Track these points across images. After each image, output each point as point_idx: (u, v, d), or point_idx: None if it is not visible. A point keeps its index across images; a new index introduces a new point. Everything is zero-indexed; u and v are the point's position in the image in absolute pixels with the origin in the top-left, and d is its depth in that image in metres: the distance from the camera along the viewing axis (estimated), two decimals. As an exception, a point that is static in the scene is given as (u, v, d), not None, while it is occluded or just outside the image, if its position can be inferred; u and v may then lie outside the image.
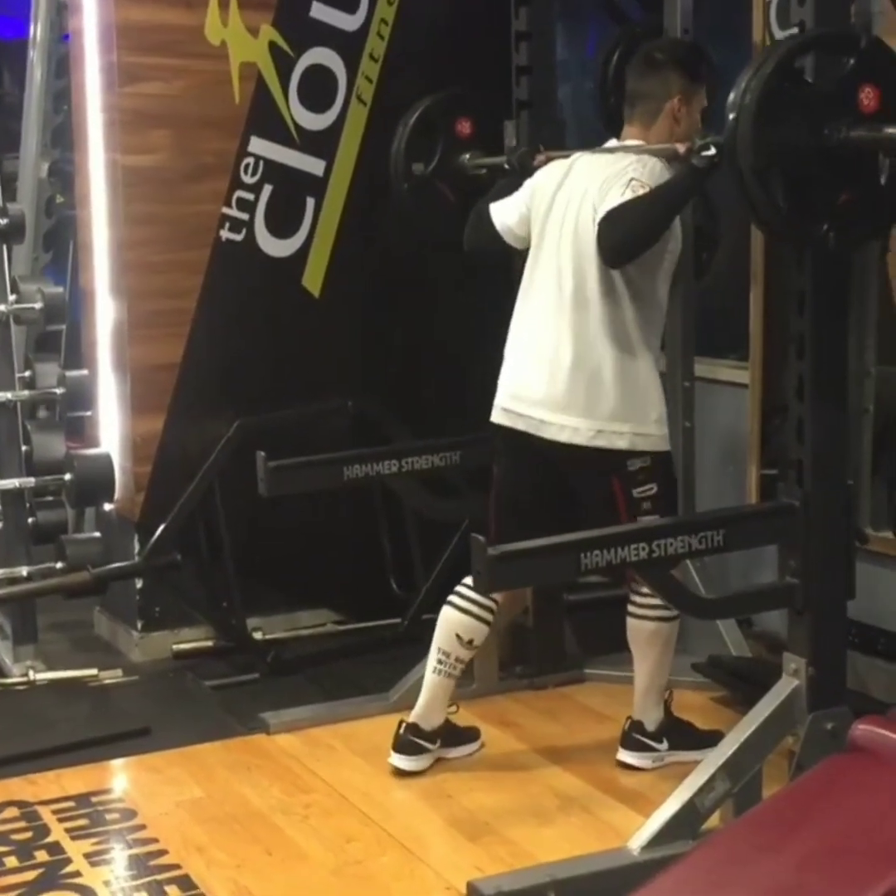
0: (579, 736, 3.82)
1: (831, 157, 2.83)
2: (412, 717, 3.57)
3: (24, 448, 4.50)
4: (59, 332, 5.68)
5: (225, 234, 4.52)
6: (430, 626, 3.62)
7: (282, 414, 4.48)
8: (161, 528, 4.33)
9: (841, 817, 1.92)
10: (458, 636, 3.55)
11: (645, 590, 3.45)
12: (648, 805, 3.20)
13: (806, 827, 1.91)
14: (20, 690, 4.25)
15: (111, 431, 4.60)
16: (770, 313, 4.16)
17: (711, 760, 3.06)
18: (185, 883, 3.07)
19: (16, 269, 5.01)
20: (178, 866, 3.14)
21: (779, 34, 4.09)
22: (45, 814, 3.39)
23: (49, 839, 3.27)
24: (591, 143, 5.09)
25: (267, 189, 4.54)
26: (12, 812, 3.41)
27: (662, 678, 3.59)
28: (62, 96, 5.83)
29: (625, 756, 3.57)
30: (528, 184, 3.59)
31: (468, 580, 3.45)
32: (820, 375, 3.05)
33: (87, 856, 3.19)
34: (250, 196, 4.53)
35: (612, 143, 3.51)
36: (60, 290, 4.69)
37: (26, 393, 4.55)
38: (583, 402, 3.37)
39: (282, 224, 4.56)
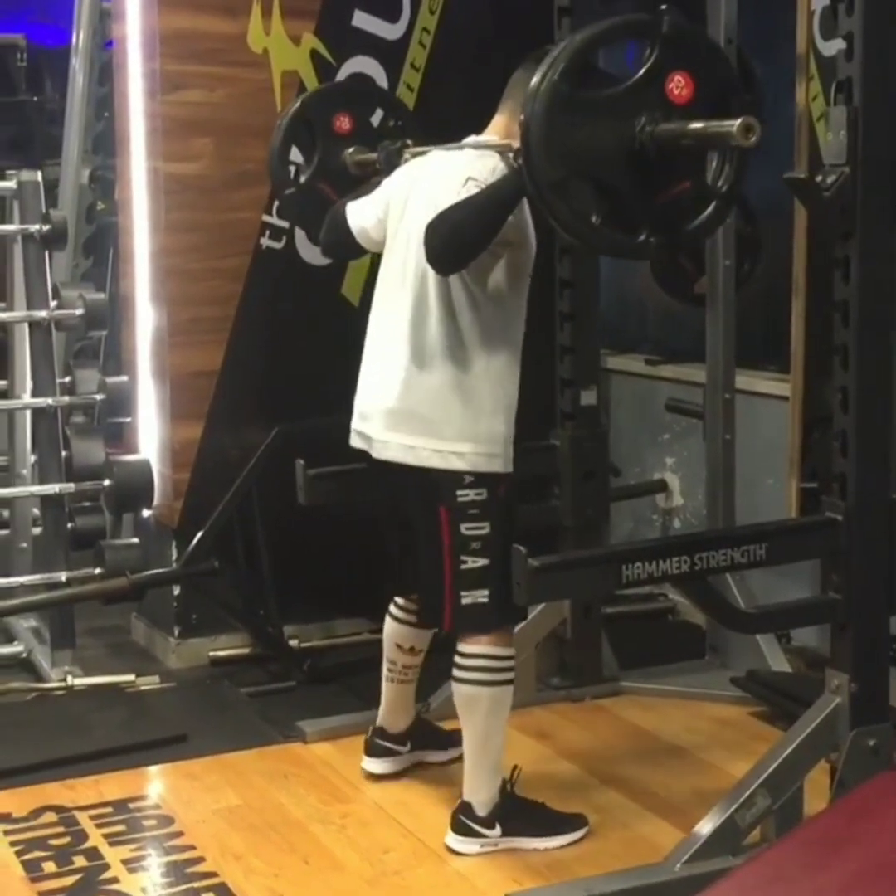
0: (617, 749, 3.80)
1: (643, 157, 2.66)
2: (378, 721, 3.63)
3: (63, 454, 4.52)
4: (99, 339, 5.70)
5: (265, 241, 4.53)
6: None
7: (321, 421, 4.47)
8: (199, 534, 4.34)
9: (888, 836, 1.90)
10: (398, 645, 3.58)
11: (467, 648, 3.20)
12: (688, 820, 3.18)
13: (852, 845, 1.89)
14: (58, 695, 4.26)
15: (150, 438, 4.62)
16: (811, 324, 4.14)
17: (753, 776, 3.03)
18: (223, 891, 3.07)
19: (56, 276, 5.04)
20: (215, 874, 3.14)
21: (822, 44, 4.07)
22: (83, 819, 3.40)
23: (87, 844, 3.28)
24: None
25: (308, 197, 4.54)
26: (51, 817, 3.42)
27: (492, 753, 3.21)
28: (103, 103, 5.86)
29: (449, 839, 3.23)
30: (385, 184, 3.41)
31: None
32: (865, 387, 3.02)
33: (124, 862, 3.20)
34: (291, 204, 4.53)
35: (470, 139, 3.31)
36: (102, 296, 4.72)
37: (66, 399, 4.57)
38: (418, 421, 3.17)
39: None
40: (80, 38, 6.00)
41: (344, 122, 3.96)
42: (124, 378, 4.66)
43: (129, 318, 4.70)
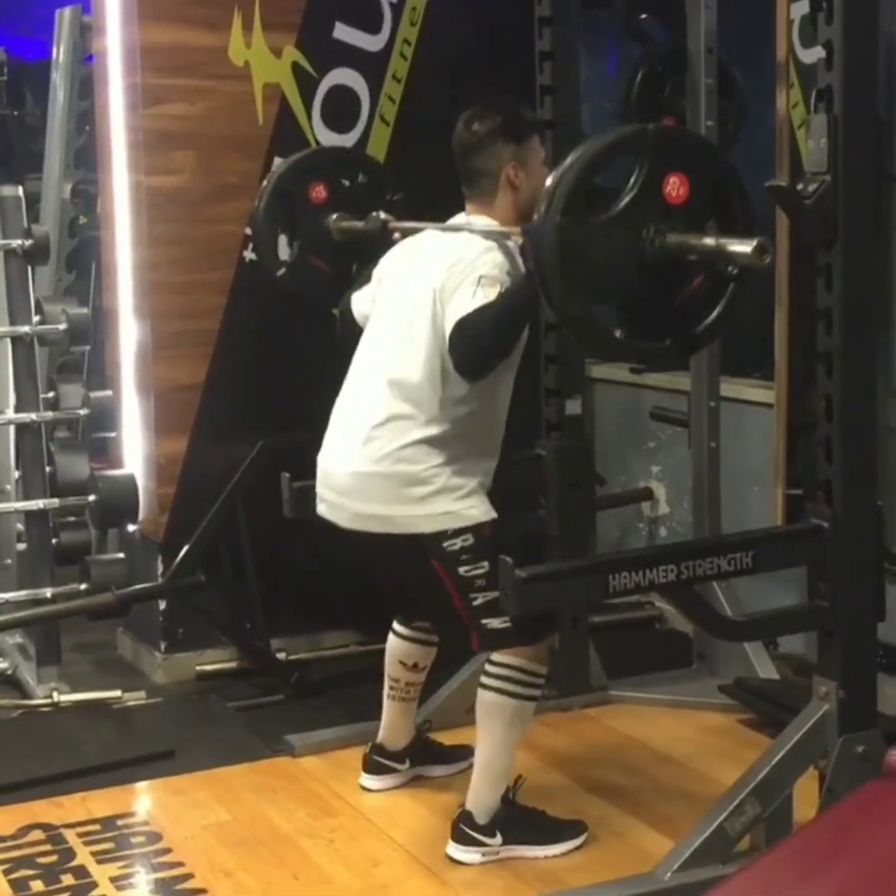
0: (606, 758, 3.80)
1: (655, 267, 2.71)
2: (378, 738, 3.61)
3: (47, 469, 4.51)
4: (82, 353, 5.68)
5: (248, 254, 4.51)
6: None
7: (306, 434, 4.46)
8: (185, 549, 4.33)
9: (880, 845, 1.90)
10: (401, 663, 3.57)
11: (499, 657, 3.20)
12: (678, 829, 3.18)
13: (844, 855, 1.88)
14: (44, 712, 4.24)
15: (135, 452, 4.60)
16: (795, 332, 4.15)
17: (742, 784, 3.03)
18: (212, 907, 3.06)
19: (39, 290, 5.03)
20: (204, 891, 3.13)
21: (802, 52, 4.09)
22: (71, 837, 3.38)
23: (75, 863, 3.26)
24: (613, 163, 5.12)
25: (290, 209, 4.54)
26: (38, 835, 3.40)
27: (502, 763, 3.22)
28: (85, 117, 5.84)
29: (451, 849, 3.23)
30: (379, 266, 3.46)
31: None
32: (848, 395, 3.03)
33: (112, 880, 3.18)
34: (274, 217, 4.53)
35: (460, 218, 3.35)
36: (85, 311, 4.69)
37: (50, 414, 4.56)
38: (392, 485, 3.15)
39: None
40: (60, 51, 5.98)
41: (320, 192, 4.00)
42: (108, 392, 4.64)
43: (112, 332, 4.69)
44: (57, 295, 5.70)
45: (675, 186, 2.72)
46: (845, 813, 1.99)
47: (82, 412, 4.58)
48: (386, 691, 3.61)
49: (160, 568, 4.47)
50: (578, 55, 4.06)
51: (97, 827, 3.44)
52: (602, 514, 4.86)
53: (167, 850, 3.32)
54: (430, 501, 3.15)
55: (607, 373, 5.26)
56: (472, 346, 3.03)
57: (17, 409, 4.56)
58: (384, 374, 3.25)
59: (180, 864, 3.25)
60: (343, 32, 4.57)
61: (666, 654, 4.49)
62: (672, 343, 2.82)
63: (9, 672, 4.52)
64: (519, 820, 3.25)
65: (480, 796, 3.23)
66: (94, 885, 3.16)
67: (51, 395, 4.60)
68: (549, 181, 2.70)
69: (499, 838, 3.22)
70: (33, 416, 4.47)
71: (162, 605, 4.50)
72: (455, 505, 3.16)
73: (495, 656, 3.22)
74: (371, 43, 4.61)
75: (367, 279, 3.50)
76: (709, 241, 2.72)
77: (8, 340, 4.57)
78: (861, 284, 3.00)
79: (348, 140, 4.61)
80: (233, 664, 4.54)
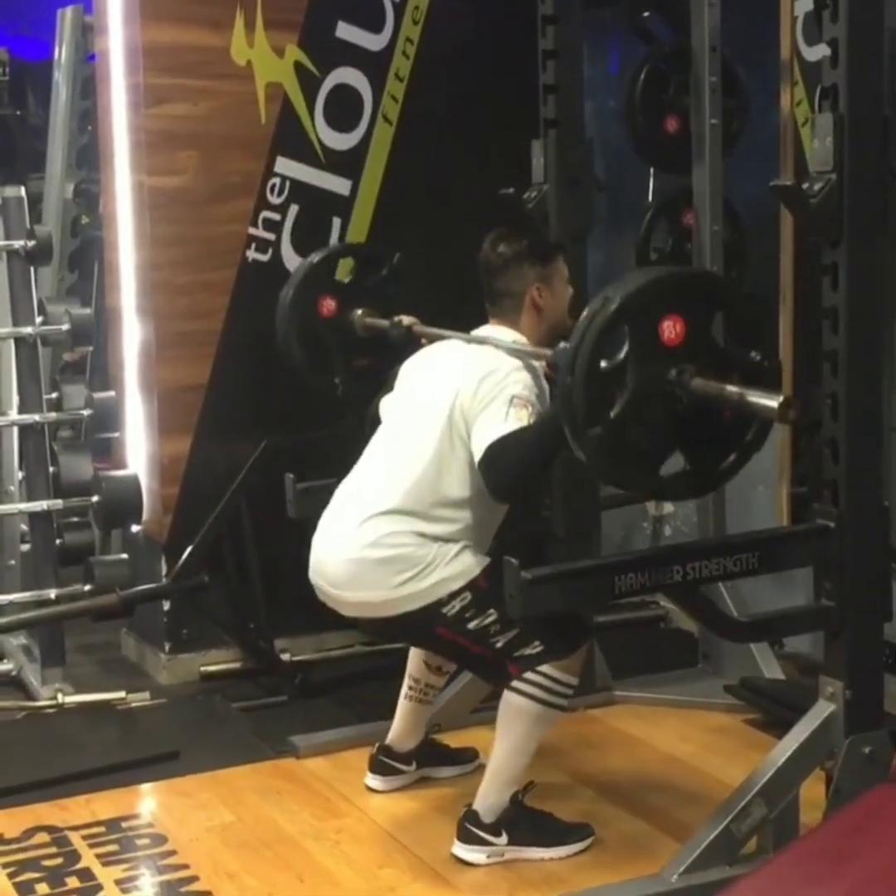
0: (611, 759, 3.79)
1: (679, 407, 2.77)
2: (387, 739, 3.60)
3: (51, 470, 4.50)
4: (85, 354, 5.68)
5: (251, 254, 4.52)
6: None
7: (309, 434, 4.47)
8: (188, 549, 4.32)
9: (887, 849, 1.89)
10: (426, 663, 3.56)
11: (538, 669, 3.18)
12: (684, 830, 3.17)
13: (852, 859, 1.87)
14: (48, 713, 4.24)
15: (138, 453, 4.60)
16: (799, 330, 4.13)
17: (748, 786, 3.02)
18: (217, 910, 3.05)
19: (42, 290, 5.02)
20: (209, 893, 3.12)
21: (806, 49, 4.07)
22: (76, 839, 3.38)
23: (80, 865, 3.25)
24: (615, 162, 5.12)
25: (293, 209, 4.54)
26: (43, 838, 3.39)
27: (515, 767, 3.21)
28: (87, 117, 5.84)
29: (457, 848, 3.22)
30: (399, 376, 3.48)
31: None
32: (854, 394, 3.02)
33: (118, 882, 3.17)
34: (276, 216, 4.53)
35: (485, 330, 3.36)
36: (88, 311, 4.69)
37: (53, 415, 4.55)
38: (385, 571, 3.16)
39: (308, 244, 4.53)
40: (62, 51, 5.98)
41: (329, 304, 4.12)
42: (112, 393, 4.63)
43: (115, 333, 4.68)
44: (60, 295, 5.71)
45: (669, 330, 2.74)
46: (854, 817, 1.98)
47: (86, 413, 4.57)
48: (404, 691, 3.58)
49: (164, 568, 4.47)
50: (581, 54, 4.05)
51: (102, 829, 3.43)
52: (606, 514, 4.82)
53: (172, 852, 3.31)
54: (420, 578, 3.16)
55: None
56: (508, 472, 3.06)
57: (21, 410, 4.56)
58: (388, 467, 3.27)
59: (185, 866, 3.24)
60: (345, 31, 4.56)
61: (671, 654, 4.48)
62: (703, 477, 2.90)
63: (13, 673, 4.51)
64: (526, 821, 3.24)
65: (489, 796, 3.22)
66: (100, 887, 3.15)
67: (54, 395, 4.60)
68: (583, 315, 2.73)
69: (504, 838, 3.21)
70: (37, 416, 4.47)
71: (166, 605, 4.49)
72: (445, 572, 3.17)
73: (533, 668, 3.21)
74: (373, 42, 4.61)
75: (391, 385, 3.51)
76: (732, 389, 2.74)
77: (11, 341, 4.57)
78: (867, 283, 2.98)
79: (351, 139, 4.61)
80: (237, 665, 4.53)
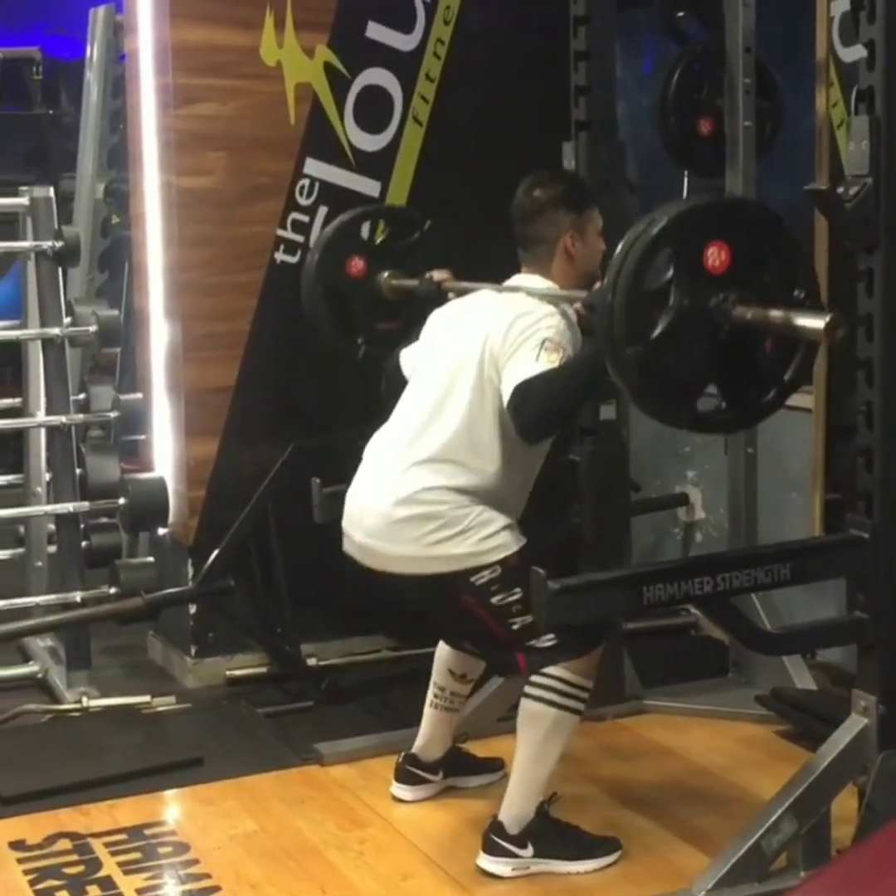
0: (640, 770, 3.74)
1: (723, 336, 2.68)
2: (413, 748, 3.56)
3: (78, 472, 4.48)
4: (114, 355, 5.67)
5: (279, 256, 4.49)
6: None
7: (337, 437, 4.43)
8: (215, 553, 4.30)
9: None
10: (450, 671, 3.52)
11: (548, 669, 3.14)
12: (715, 846, 3.12)
13: (881, 887, 1.82)
14: (74, 717, 4.22)
15: (165, 455, 4.58)
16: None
17: (779, 801, 2.97)
18: (239, 921, 3.02)
19: (72, 290, 5.01)
20: (230, 903, 3.10)
21: (842, 51, 4.01)
22: (98, 846, 3.35)
23: (101, 873, 3.23)
24: (648, 162, 5.07)
25: (322, 211, 4.51)
26: (65, 844, 3.37)
27: (539, 775, 3.15)
28: (118, 116, 5.83)
29: (482, 860, 3.17)
30: (426, 326, 3.44)
31: None
32: (891, 403, 2.96)
33: (139, 892, 3.14)
34: (305, 218, 4.50)
35: (516, 279, 3.32)
36: (115, 313, 4.68)
37: (81, 416, 4.54)
38: (416, 527, 3.13)
39: (337, 246, 4.51)
40: (94, 51, 5.98)
41: (357, 264, 4.01)
42: (139, 395, 4.62)
43: (143, 334, 4.66)
44: (89, 295, 5.70)
45: (714, 256, 2.66)
46: (884, 842, 1.92)
47: (113, 415, 4.55)
48: (429, 699, 3.55)
49: (190, 572, 4.45)
50: (614, 54, 4.00)
51: (124, 836, 3.41)
52: (637, 520, 4.79)
53: (194, 861, 3.28)
54: (456, 542, 3.13)
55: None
56: (538, 413, 3.01)
57: (48, 412, 4.55)
58: (423, 419, 3.22)
59: (207, 875, 3.21)
60: (376, 32, 4.53)
61: (701, 663, 4.43)
62: (740, 411, 2.80)
63: (39, 676, 4.50)
64: (552, 833, 3.20)
65: (513, 806, 3.17)
66: (121, 896, 3.13)
67: (81, 397, 4.58)
68: (618, 249, 2.65)
69: (530, 850, 3.17)
70: (64, 418, 4.45)
71: (192, 609, 4.47)
72: (481, 545, 3.13)
73: (545, 670, 3.16)
74: (404, 42, 4.57)
75: (418, 337, 3.47)
76: (776, 313, 2.66)
77: (39, 342, 4.56)
78: (904, 290, 2.92)
79: (381, 141, 4.58)
80: (263, 669, 4.50)
